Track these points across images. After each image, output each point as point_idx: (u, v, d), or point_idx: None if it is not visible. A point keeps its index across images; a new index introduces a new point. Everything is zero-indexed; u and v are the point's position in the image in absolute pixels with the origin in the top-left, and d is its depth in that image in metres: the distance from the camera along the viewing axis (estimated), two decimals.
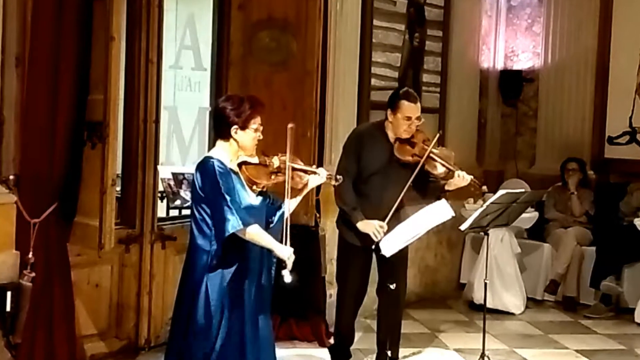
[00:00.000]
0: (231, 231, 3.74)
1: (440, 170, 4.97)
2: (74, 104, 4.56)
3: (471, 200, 7.33)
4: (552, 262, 7.60)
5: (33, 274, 4.49)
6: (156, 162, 5.50)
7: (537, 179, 8.10)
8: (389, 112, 5.06)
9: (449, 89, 7.85)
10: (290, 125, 3.94)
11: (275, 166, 3.97)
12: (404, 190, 4.94)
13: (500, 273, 7.16)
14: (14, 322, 4.50)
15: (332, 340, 5.66)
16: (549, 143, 8.47)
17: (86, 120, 4.62)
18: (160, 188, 5.59)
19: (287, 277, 3.81)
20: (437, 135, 5.12)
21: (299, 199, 4.09)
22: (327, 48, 6.08)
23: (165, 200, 5.88)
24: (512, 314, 7.13)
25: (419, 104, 5.05)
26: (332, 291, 6.05)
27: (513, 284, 7.21)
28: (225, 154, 3.94)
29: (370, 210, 5.04)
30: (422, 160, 4.91)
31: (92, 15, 4.57)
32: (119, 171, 5.23)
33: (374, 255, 5.15)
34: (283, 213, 3.94)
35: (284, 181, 3.94)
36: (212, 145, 6.20)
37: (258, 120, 3.94)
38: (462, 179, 4.95)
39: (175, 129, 6.48)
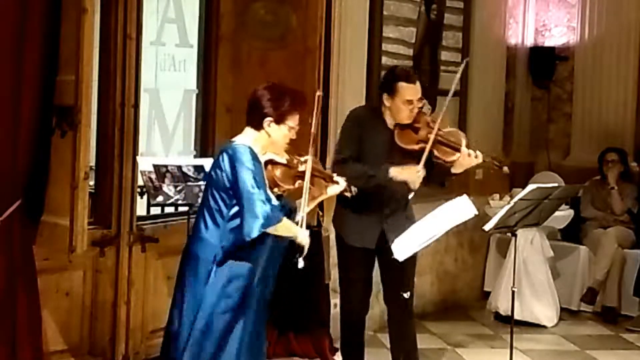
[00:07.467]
0: (263, 230, 3.91)
1: (454, 155, 4.91)
2: (41, 86, 4.54)
3: (497, 196, 7.33)
4: (589, 267, 7.61)
5: None
6: (135, 153, 5.48)
7: (572, 171, 8.11)
8: (385, 96, 5.05)
9: (471, 69, 7.83)
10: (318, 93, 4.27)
11: (300, 169, 4.14)
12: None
13: (530, 280, 7.17)
14: None
15: (336, 357, 5.65)
16: (586, 131, 8.47)
17: (55, 104, 4.60)
18: (140, 182, 5.58)
19: (301, 263, 4.07)
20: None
21: (311, 207, 4.26)
22: (331, 22, 6.07)
23: (145, 197, 5.87)
24: (544, 326, 7.15)
25: (418, 84, 5.03)
26: (336, 300, 6.05)
27: (545, 293, 7.21)
28: (255, 144, 4.11)
29: (374, 207, 5.04)
30: (429, 147, 4.88)
31: None
32: (93, 163, 5.22)
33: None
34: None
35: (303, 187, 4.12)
36: (201, 133, 6.37)
37: (296, 118, 4.14)
38: (470, 157, 4.87)
39: (157, 114, 6.48)
